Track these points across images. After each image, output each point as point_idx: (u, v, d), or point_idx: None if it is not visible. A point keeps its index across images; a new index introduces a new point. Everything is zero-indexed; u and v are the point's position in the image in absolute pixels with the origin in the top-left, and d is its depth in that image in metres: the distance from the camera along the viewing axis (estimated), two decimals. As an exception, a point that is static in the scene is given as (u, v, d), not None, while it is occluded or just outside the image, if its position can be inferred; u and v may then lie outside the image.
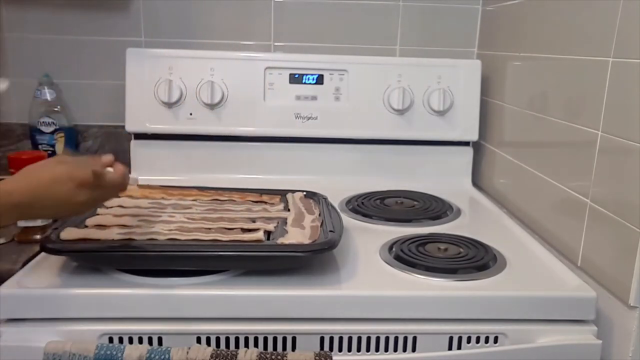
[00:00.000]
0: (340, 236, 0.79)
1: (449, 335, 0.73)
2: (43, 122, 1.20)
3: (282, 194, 1.00)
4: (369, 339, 0.73)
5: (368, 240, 0.90)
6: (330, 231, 0.79)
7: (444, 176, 1.26)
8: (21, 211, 0.66)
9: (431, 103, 1.22)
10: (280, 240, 0.77)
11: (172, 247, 0.75)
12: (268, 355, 0.66)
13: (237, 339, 0.72)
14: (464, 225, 1.01)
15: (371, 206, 1.07)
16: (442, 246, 0.86)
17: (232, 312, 0.72)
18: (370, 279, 0.78)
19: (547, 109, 0.98)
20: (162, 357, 0.65)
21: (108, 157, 0.73)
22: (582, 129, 0.85)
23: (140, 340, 0.71)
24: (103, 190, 0.71)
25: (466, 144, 1.27)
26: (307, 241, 0.77)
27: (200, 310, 0.72)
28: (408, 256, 0.82)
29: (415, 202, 1.10)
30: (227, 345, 0.72)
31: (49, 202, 0.66)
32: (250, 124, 1.21)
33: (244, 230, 0.81)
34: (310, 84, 1.22)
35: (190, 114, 1.20)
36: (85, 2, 1.29)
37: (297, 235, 0.79)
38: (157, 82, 1.18)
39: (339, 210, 0.94)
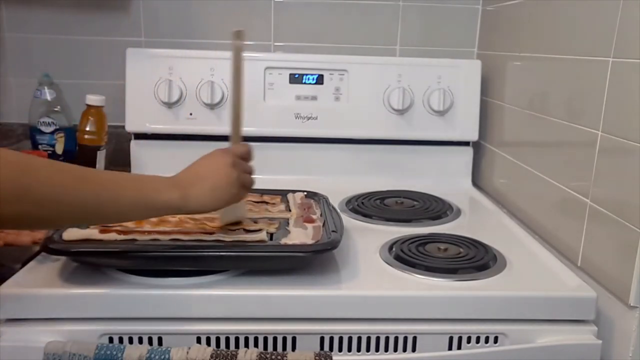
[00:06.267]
0: (341, 236, 0.79)
1: (449, 335, 0.73)
2: (43, 122, 1.20)
3: (283, 194, 1.00)
4: (369, 339, 0.73)
5: (368, 240, 0.90)
6: (333, 231, 0.79)
7: (444, 176, 1.26)
8: (181, 190, 0.68)
9: (431, 103, 1.22)
10: (283, 241, 0.77)
11: (175, 247, 0.75)
12: (268, 355, 0.66)
13: (237, 339, 0.72)
14: (464, 225, 1.01)
15: (371, 206, 1.07)
16: (442, 246, 0.86)
17: (232, 312, 0.72)
18: (370, 279, 0.78)
19: (547, 109, 0.98)
20: (162, 357, 0.65)
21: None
22: (582, 129, 0.85)
23: (140, 340, 0.71)
24: (244, 174, 0.74)
25: (466, 144, 1.27)
26: (309, 241, 0.77)
27: (200, 310, 0.72)
28: (408, 256, 0.82)
29: (415, 202, 1.10)
30: (227, 345, 0.72)
31: (208, 174, 0.71)
32: (250, 124, 1.20)
33: (246, 231, 0.81)
34: (310, 84, 1.22)
35: (190, 114, 1.20)
36: (85, 2, 1.29)
37: (299, 236, 0.79)
38: (157, 82, 1.18)
39: (339, 211, 0.94)
